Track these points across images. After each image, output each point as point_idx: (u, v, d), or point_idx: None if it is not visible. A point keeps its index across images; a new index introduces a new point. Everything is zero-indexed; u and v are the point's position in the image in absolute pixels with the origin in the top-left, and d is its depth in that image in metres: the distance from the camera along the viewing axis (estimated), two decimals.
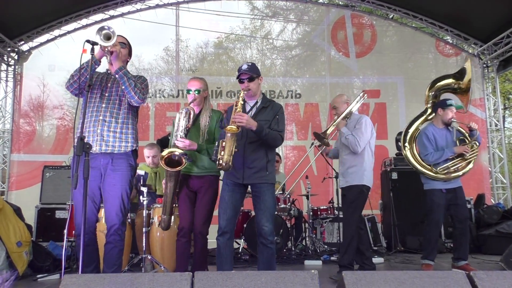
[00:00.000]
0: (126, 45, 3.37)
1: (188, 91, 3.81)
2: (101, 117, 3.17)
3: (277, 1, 8.98)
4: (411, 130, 4.98)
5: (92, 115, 3.18)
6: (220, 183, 3.62)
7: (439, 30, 8.63)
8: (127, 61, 3.43)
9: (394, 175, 6.63)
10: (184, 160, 3.48)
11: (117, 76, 3.13)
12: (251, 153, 3.35)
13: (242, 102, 3.39)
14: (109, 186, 3.13)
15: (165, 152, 3.55)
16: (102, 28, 2.92)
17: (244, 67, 3.48)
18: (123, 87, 3.13)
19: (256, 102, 3.54)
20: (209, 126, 3.76)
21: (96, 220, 3.26)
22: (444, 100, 4.77)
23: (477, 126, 4.73)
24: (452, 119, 4.64)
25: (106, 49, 2.99)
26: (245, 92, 3.41)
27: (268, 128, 3.33)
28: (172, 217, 4.41)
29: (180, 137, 3.59)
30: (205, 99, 3.87)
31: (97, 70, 3.22)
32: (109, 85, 3.29)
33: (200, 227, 3.68)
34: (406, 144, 4.91)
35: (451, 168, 4.57)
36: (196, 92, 3.77)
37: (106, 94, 3.24)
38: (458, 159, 4.57)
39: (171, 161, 3.53)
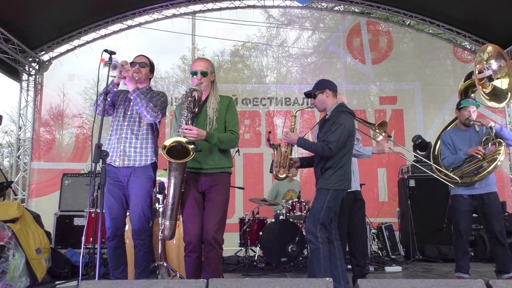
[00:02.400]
0: (147, 64, 3.61)
1: (193, 73, 3.28)
2: (123, 135, 3.45)
3: (292, 9, 9.00)
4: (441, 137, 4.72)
5: (116, 133, 3.47)
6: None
7: (456, 36, 8.53)
8: (150, 78, 3.68)
9: (412, 183, 6.53)
10: (191, 150, 2.92)
11: (131, 97, 3.38)
12: (316, 166, 3.69)
13: (293, 125, 3.85)
14: (132, 195, 3.38)
15: (168, 142, 2.96)
16: (106, 63, 3.14)
17: (314, 85, 3.84)
18: (136, 107, 3.39)
19: (326, 115, 3.77)
20: (218, 114, 3.23)
21: (124, 224, 3.46)
22: (459, 101, 4.55)
23: (489, 122, 4.25)
24: (470, 119, 4.35)
25: (121, 74, 3.26)
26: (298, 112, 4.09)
27: (313, 142, 3.65)
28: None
29: (185, 124, 3.05)
30: (213, 84, 3.35)
31: (120, 88, 3.48)
32: (131, 104, 3.51)
33: (214, 232, 3.03)
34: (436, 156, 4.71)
35: (466, 171, 4.27)
36: (202, 74, 3.25)
37: (128, 113, 3.51)
38: (474, 161, 4.23)
39: (175, 153, 2.95)
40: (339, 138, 3.48)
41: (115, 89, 3.38)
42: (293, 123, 3.87)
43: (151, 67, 3.67)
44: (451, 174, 4.34)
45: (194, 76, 3.26)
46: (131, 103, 3.49)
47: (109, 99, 3.30)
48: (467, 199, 4.30)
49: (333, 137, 3.47)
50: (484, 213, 4.26)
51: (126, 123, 3.46)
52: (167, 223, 3.17)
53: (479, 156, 4.19)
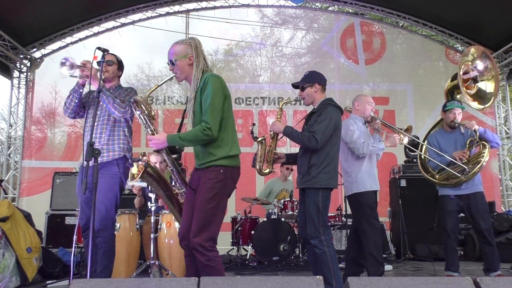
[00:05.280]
0: (114, 62, 3.60)
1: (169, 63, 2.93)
2: (93, 135, 3.38)
3: (286, 9, 9.02)
4: (427, 139, 4.80)
5: (89, 134, 3.36)
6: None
7: (449, 37, 8.60)
8: (118, 75, 3.68)
9: (403, 183, 6.59)
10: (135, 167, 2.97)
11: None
12: (299, 159, 3.60)
13: (280, 114, 3.83)
14: (98, 191, 3.28)
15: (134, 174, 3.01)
16: (63, 63, 3.22)
17: (302, 77, 3.75)
18: (104, 104, 3.42)
19: (313, 109, 3.69)
20: (197, 102, 2.78)
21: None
22: (445, 103, 4.62)
23: (473, 124, 4.34)
24: (455, 121, 4.44)
25: (83, 74, 3.33)
26: (288, 103, 3.98)
27: (300, 132, 3.55)
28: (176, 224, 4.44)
29: (149, 135, 2.91)
30: (192, 67, 2.85)
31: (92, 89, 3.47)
32: (100, 103, 3.48)
33: (192, 237, 2.67)
34: (422, 154, 4.75)
35: (451, 174, 4.30)
36: (171, 63, 2.88)
37: (98, 113, 3.50)
38: (458, 165, 4.28)
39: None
40: (326, 129, 3.40)
41: (80, 90, 3.44)
42: (279, 116, 3.82)
43: (119, 64, 3.66)
44: (436, 176, 4.42)
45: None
46: (100, 103, 3.47)
47: (76, 101, 3.42)
48: (454, 199, 4.39)
49: (320, 128, 3.39)
50: (471, 213, 4.33)
51: (96, 124, 3.47)
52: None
53: (464, 160, 4.27)
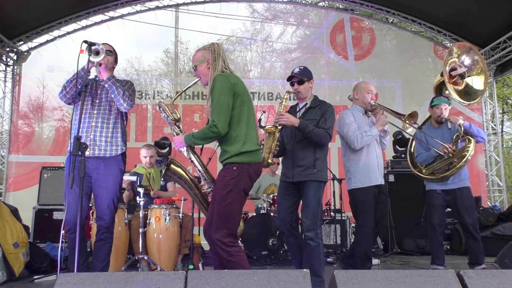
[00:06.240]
0: (112, 53, 3.50)
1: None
2: (93, 123, 3.38)
3: (277, 4, 9.02)
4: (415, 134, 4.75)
5: (85, 121, 3.36)
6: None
7: (437, 34, 8.67)
8: (114, 67, 3.56)
9: (391, 178, 6.65)
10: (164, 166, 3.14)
11: (106, 85, 3.33)
12: (300, 151, 3.54)
13: (285, 104, 3.61)
14: (102, 188, 3.33)
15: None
16: (92, 44, 3.06)
17: (296, 70, 3.71)
18: (112, 95, 3.33)
19: (306, 104, 3.69)
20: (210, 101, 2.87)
21: (86, 217, 3.49)
22: (432, 98, 4.65)
23: (458, 119, 4.32)
24: (442, 116, 4.43)
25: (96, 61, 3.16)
26: (290, 94, 3.71)
27: (314, 126, 3.47)
28: (168, 218, 4.45)
29: (174, 136, 3.11)
30: (211, 69, 2.97)
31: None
32: (98, 91, 3.45)
33: (214, 233, 2.74)
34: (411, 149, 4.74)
35: (437, 168, 4.33)
36: (194, 69, 3.13)
37: (97, 101, 3.42)
38: (445, 158, 4.29)
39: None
40: (333, 126, 3.52)
41: (87, 76, 3.23)
42: (284, 107, 3.61)
43: (116, 56, 3.57)
44: (423, 171, 4.43)
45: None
46: (98, 91, 3.43)
47: (79, 87, 3.16)
48: (441, 194, 4.41)
49: (329, 124, 3.48)
50: (457, 207, 4.35)
51: (95, 111, 3.38)
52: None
53: (447, 154, 4.28)
